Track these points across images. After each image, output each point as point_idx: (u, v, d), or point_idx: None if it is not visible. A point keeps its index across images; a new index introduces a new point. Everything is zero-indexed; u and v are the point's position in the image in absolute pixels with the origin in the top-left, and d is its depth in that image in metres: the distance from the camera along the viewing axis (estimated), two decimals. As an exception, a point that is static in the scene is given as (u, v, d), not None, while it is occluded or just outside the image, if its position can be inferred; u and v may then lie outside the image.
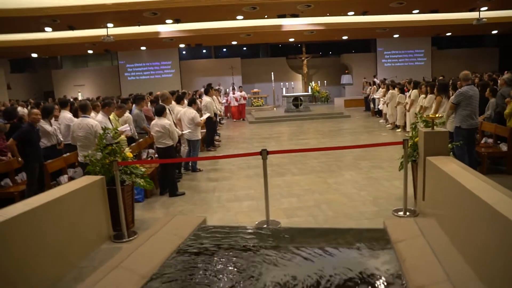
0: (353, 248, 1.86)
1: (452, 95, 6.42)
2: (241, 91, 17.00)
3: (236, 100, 16.69)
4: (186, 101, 8.56)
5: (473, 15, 15.45)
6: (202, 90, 12.56)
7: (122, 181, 4.76)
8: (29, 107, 9.87)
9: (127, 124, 6.62)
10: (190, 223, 2.19)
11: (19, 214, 3.26)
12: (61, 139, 6.71)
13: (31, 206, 3.45)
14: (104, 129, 4.95)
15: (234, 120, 16.84)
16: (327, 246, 1.92)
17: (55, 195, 3.81)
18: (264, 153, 4.57)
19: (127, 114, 7.31)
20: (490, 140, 7.09)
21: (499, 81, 7.81)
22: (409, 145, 4.92)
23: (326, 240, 2.01)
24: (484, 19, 14.97)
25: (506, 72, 13.62)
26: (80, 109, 5.91)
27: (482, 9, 14.90)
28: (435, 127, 4.69)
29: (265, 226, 4.68)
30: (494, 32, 20.84)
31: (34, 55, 20.24)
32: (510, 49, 22.80)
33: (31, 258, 3.33)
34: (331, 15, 15.89)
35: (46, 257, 3.53)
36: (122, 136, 6.00)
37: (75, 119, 6.15)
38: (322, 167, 7.60)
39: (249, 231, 2.20)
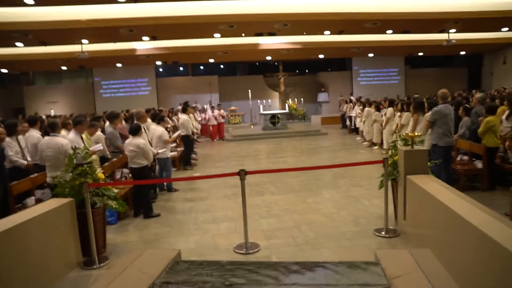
0: (344, 285, 1.72)
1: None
2: (219, 110, 16.53)
3: (215, 119, 16.11)
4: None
5: (443, 36, 16.05)
6: (179, 107, 12.34)
7: (93, 203, 4.51)
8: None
9: (99, 144, 6.35)
10: (162, 258, 2.00)
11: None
12: (29, 158, 6.37)
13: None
14: (74, 148, 4.70)
15: (214, 140, 16.11)
16: (315, 285, 1.77)
17: (19, 220, 3.55)
18: (242, 174, 4.43)
19: (99, 132, 7.04)
20: (465, 157, 7.19)
21: (472, 100, 7.99)
22: (389, 164, 4.89)
23: (314, 276, 1.86)
24: (453, 41, 15.57)
25: (475, 91, 14.10)
26: (49, 127, 5.63)
27: (451, 31, 15.50)
28: (414, 145, 4.69)
29: (243, 251, 4.51)
30: (463, 53, 21.70)
31: (4, 70, 19.58)
32: (478, 69, 23.76)
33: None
34: (307, 34, 16.15)
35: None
36: (94, 156, 5.75)
37: (45, 138, 5.84)
38: (301, 186, 7.51)
39: (227, 267, 2.02)
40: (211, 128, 16.33)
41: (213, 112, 16.26)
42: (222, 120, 16.66)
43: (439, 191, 3.58)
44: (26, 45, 14.44)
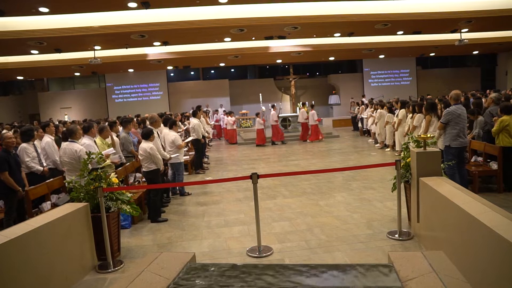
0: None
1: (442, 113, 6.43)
2: (231, 116, 16.54)
3: (232, 124, 16.30)
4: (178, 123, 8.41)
5: (455, 36, 15.89)
6: (191, 112, 12.41)
7: (108, 207, 4.57)
8: (12, 131, 9.55)
9: (111, 148, 6.44)
10: (177, 261, 2.02)
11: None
12: (44, 164, 6.49)
13: (8, 237, 3.25)
14: (89, 153, 4.78)
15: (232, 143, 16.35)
16: (329, 287, 1.78)
17: (35, 225, 3.61)
18: (254, 177, 4.44)
19: (115, 137, 7.13)
20: (480, 159, 7.10)
21: (487, 100, 7.89)
22: (401, 166, 4.85)
23: (327, 278, 1.87)
24: (465, 40, 15.40)
25: (488, 91, 13.90)
26: (68, 133, 5.72)
27: (463, 30, 15.33)
28: (427, 147, 4.65)
29: (256, 254, 4.52)
30: (475, 52, 21.42)
31: (20, 77, 20.00)
32: (491, 69, 23.44)
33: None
34: (317, 36, 16.14)
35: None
36: (108, 161, 5.83)
37: (63, 144, 5.94)
38: (313, 189, 7.49)
39: (243, 269, 2.04)
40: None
41: (229, 116, 16.40)
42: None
43: (453, 193, 3.54)
44: (41, 52, 14.75)
